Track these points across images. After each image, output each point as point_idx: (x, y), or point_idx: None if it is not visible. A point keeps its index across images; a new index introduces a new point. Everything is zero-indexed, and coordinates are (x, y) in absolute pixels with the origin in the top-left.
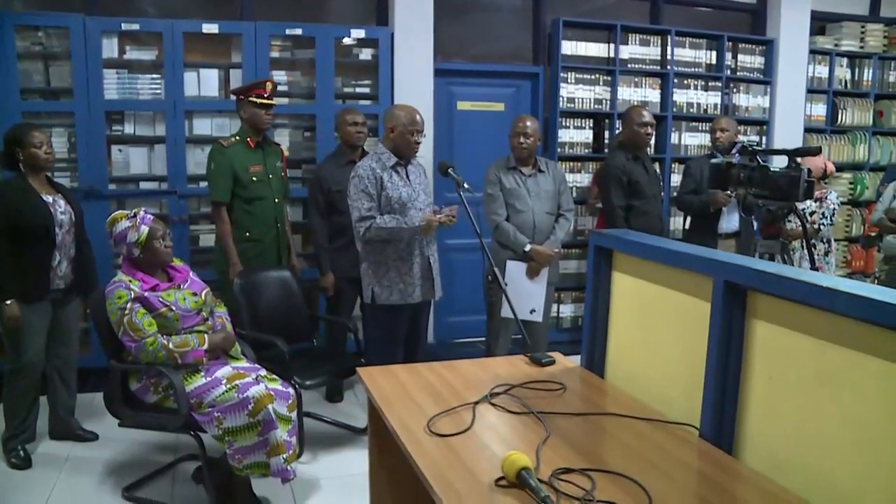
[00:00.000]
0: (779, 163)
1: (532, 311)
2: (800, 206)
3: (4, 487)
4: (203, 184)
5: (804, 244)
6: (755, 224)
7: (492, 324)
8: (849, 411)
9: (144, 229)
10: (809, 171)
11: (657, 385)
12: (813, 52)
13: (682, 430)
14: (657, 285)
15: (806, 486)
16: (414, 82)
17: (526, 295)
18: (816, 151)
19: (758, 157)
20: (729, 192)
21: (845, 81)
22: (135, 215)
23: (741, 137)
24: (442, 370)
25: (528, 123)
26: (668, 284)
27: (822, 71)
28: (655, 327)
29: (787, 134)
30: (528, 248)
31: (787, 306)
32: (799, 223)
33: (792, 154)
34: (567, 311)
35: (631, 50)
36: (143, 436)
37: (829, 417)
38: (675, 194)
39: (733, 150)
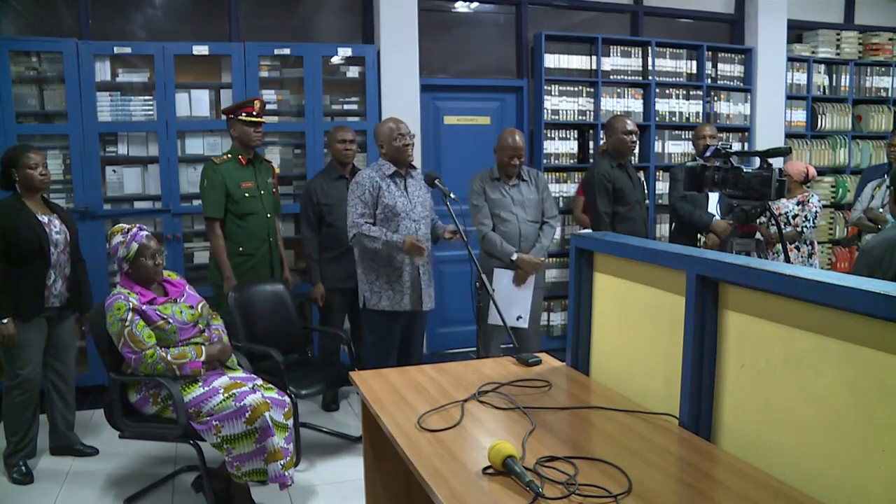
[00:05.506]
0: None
1: (519, 318)
2: (782, 209)
3: (7, 502)
4: (196, 202)
5: (782, 245)
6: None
7: (481, 330)
8: (812, 392)
9: (134, 246)
10: (780, 170)
11: (639, 378)
12: (791, 59)
13: (662, 419)
14: (636, 283)
15: (778, 466)
16: (400, 98)
17: (513, 302)
18: (786, 152)
19: (731, 159)
20: (729, 221)
21: (823, 87)
22: (128, 231)
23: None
24: (432, 372)
25: (518, 139)
26: (646, 281)
27: (801, 78)
28: (636, 323)
29: (769, 140)
30: (514, 257)
31: (756, 296)
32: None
33: (763, 155)
34: (557, 319)
35: (612, 62)
36: (142, 449)
37: (795, 399)
38: (660, 201)
39: (707, 153)
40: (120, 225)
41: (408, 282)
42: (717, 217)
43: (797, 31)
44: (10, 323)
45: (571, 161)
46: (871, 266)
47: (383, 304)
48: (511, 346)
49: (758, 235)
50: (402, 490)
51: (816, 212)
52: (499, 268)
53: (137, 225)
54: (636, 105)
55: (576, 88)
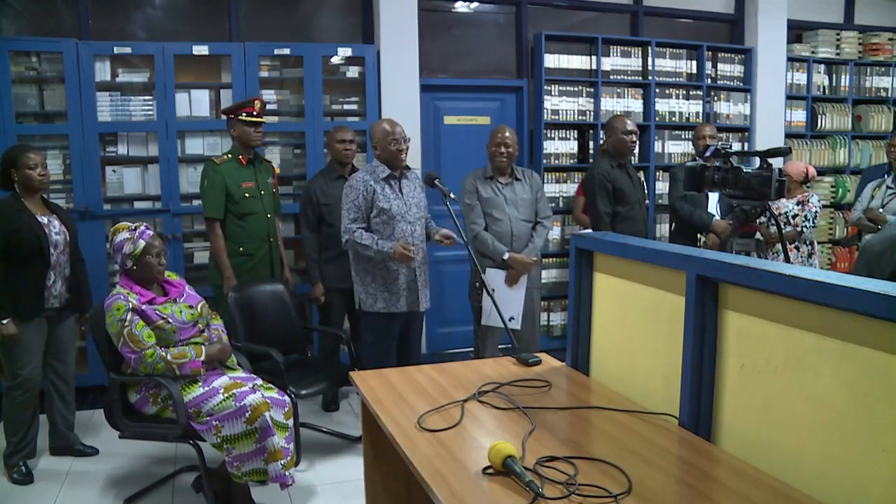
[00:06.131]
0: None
1: (511, 319)
2: (782, 209)
3: (7, 502)
4: (196, 202)
5: (782, 245)
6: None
7: (479, 329)
8: (812, 392)
9: (141, 243)
10: (780, 170)
11: (639, 378)
12: (791, 59)
13: (662, 419)
14: (636, 283)
15: (778, 466)
16: (400, 98)
17: (504, 302)
18: (786, 152)
19: (731, 159)
20: (729, 221)
21: (823, 87)
22: (135, 229)
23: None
24: (432, 372)
25: (507, 134)
26: (646, 282)
27: (801, 78)
28: (636, 324)
29: (769, 140)
30: (506, 256)
31: (756, 296)
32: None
33: (763, 155)
34: (557, 319)
35: (612, 62)
36: (142, 449)
37: (795, 399)
38: (660, 201)
39: (707, 153)
40: (124, 223)
41: (403, 283)
42: (717, 217)
43: (797, 31)
44: (11, 323)
45: (571, 161)
46: (870, 263)
47: (379, 306)
48: (508, 346)
49: (758, 235)
50: (402, 490)
51: (816, 212)
52: (491, 268)
53: (144, 223)
54: (636, 105)
55: (576, 88)
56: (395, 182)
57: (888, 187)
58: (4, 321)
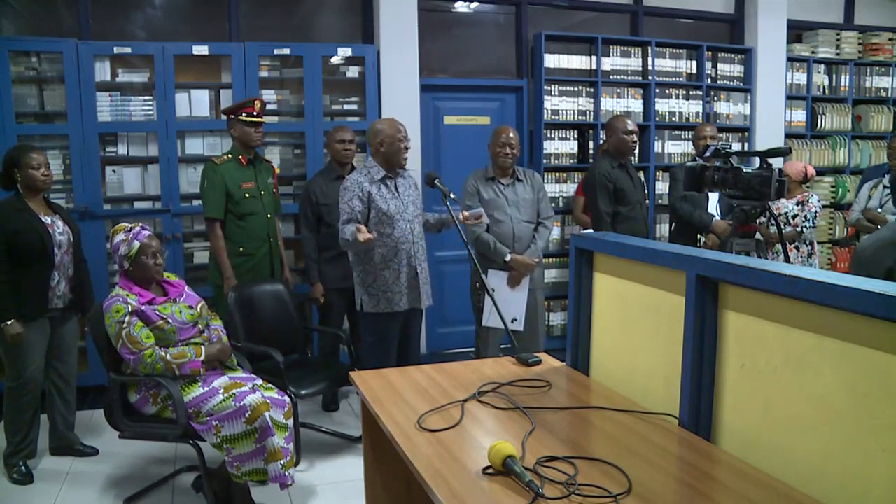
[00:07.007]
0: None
1: (513, 321)
2: (782, 209)
3: (7, 502)
4: (196, 202)
5: (782, 245)
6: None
7: (480, 330)
8: (812, 392)
9: (136, 244)
10: (780, 170)
11: (639, 379)
12: (791, 59)
13: (662, 419)
14: (636, 283)
15: (778, 466)
16: (400, 98)
17: (507, 304)
18: (786, 152)
19: (731, 159)
20: (729, 221)
21: (823, 87)
22: (131, 229)
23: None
24: (432, 372)
25: (511, 134)
26: (646, 282)
27: (801, 78)
28: (636, 324)
29: (769, 140)
30: (508, 258)
31: (756, 296)
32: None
33: (763, 155)
34: (557, 319)
35: (612, 62)
36: (142, 449)
37: (795, 399)
38: (660, 201)
39: (707, 153)
40: (122, 224)
41: (405, 282)
42: (717, 217)
43: (797, 31)
44: (15, 323)
45: (571, 161)
46: (864, 266)
47: (381, 307)
48: (509, 346)
49: (758, 235)
50: (402, 490)
51: (816, 212)
52: (493, 269)
53: (140, 224)
54: (636, 105)
55: (576, 88)
56: (391, 181)
57: (885, 186)
58: (9, 322)
